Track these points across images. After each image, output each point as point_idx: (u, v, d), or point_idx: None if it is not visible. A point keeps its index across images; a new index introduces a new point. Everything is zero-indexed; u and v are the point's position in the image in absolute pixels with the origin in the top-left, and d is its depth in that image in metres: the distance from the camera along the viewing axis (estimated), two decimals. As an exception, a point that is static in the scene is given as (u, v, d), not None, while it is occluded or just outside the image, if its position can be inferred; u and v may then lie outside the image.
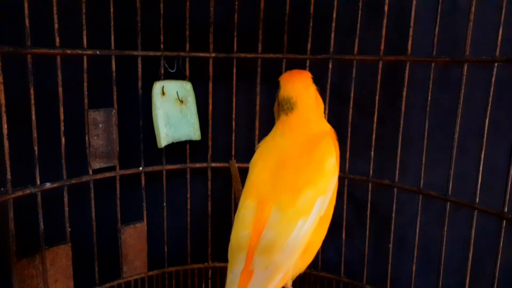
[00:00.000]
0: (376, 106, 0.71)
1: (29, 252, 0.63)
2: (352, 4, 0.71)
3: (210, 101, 0.76)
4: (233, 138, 0.78)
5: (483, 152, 0.61)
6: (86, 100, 0.66)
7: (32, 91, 0.60)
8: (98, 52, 0.66)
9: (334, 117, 0.73)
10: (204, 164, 0.78)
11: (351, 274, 0.78)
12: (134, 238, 0.75)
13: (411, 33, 0.67)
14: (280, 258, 0.48)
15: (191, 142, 0.77)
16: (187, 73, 0.74)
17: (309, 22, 0.72)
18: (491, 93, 0.60)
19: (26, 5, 0.58)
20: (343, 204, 0.75)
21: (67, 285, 0.68)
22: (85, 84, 0.66)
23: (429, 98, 0.66)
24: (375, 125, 0.71)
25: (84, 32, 0.64)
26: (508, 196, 0.58)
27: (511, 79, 0.70)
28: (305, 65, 0.73)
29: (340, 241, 0.76)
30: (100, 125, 0.69)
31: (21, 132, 0.60)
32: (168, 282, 0.79)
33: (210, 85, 0.75)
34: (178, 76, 0.74)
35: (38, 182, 0.62)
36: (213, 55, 0.74)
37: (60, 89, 0.63)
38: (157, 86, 0.72)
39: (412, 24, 0.67)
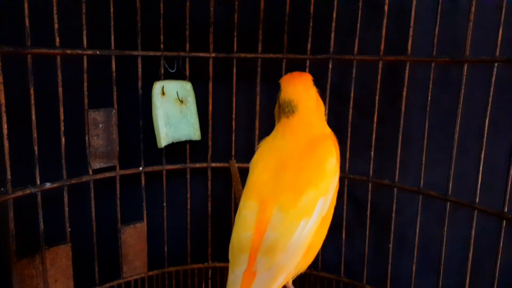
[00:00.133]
0: (376, 106, 0.71)
1: (29, 252, 0.63)
2: (352, 4, 0.71)
3: (210, 101, 0.76)
4: (233, 138, 0.78)
5: (483, 152, 0.61)
6: (86, 100, 0.66)
7: (32, 91, 0.60)
8: (98, 52, 0.66)
9: (334, 117, 0.73)
10: (204, 164, 0.78)
11: (351, 274, 0.78)
12: (134, 238, 0.75)
13: (411, 33, 0.67)
14: (283, 258, 0.49)
15: (191, 142, 0.77)
16: (187, 73, 0.74)
17: (309, 22, 0.72)
18: (491, 93, 0.60)
19: (26, 5, 0.58)
20: (343, 204, 0.75)
21: (67, 285, 0.68)
22: (85, 84, 0.66)
23: (429, 98, 0.66)
24: (375, 125, 0.71)
25: (84, 32, 0.64)
26: (508, 196, 0.58)
27: (511, 79, 0.70)
28: (305, 65, 0.73)
29: (340, 241, 0.76)
30: (100, 125, 0.69)
31: (21, 132, 0.60)
32: (168, 282, 0.79)
33: (210, 85, 0.75)
34: (178, 76, 0.74)
35: (38, 182, 0.62)
36: (213, 55, 0.74)
37: (60, 89, 0.63)
38: (157, 86, 0.72)
39: (412, 24, 0.67)
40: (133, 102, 0.72)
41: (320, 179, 0.52)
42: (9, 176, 0.59)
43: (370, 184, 0.73)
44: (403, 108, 0.69)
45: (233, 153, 0.78)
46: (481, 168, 0.61)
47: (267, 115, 0.75)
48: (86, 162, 0.68)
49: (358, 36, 0.70)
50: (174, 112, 0.74)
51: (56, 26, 0.61)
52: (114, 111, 0.70)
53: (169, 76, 0.73)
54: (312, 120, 0.57)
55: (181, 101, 0.75)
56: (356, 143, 0.74)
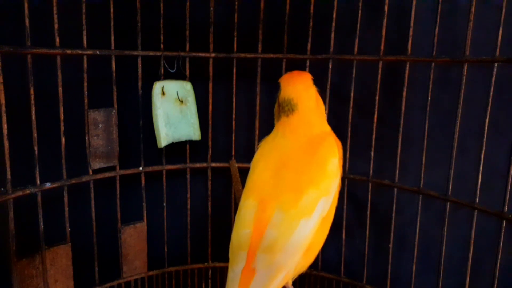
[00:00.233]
0: (376, 106, 0.71)
1: (29, 252, 0.63)
2: (352, 4, 0.71)
3: (210, 101, 0.76)
4: (233, 138, 0.78)
5: (483, 152, 0.61)
6: (86, 100, 0.66)
7: (32, 91, 0.60)
8: (98, 52, 0.66)
9: (334, 117, 0.73)
10: (204, 164, 0.78)
11: (351, 274, 0.78)
12: (134, 238, 0.75)
13: (411, 33, 0.67)
14: (282, 257, 0.49)
15: (191, 142, 0.77)
16: (187, 73, 0.74)
17: (309, 22, 0.72)
18: (491, 93, 0.60)
19: (26, 5, 0.58)
20: (343, 204, 0.75)
21: (67, 285, 0.68)
22: (85, 84, 0.66)
23: (429, 98, 0.66)
24: (375, 125, 0.71)
25: (84, 32, 0.64)
26: (508, 196, 0.58)
27: (511, 79, 0.70)
28: (305, 65, 0.73)
29: (340, 241, 0.76)
30: (100, 125, 0.69)
31: (21, 132, 0.60)
32: (168, 282, 0.79)
33: (210, 85, 0.75)
34: (178, 76, 0.74)
35: (38, 182, 0.62)
36: (213, 55, 0.74)
37: (60, 89, 0.63)
38: (157, 86, 0.72)
39: (412, 24, 0.67)
40: (133, 102, 0.72)
41: (322, 179, 0.52)
42: (9, 176, 0.59)
43: (370, 184, 0.73)
44: (403, 108, 0.69)
45: (233, 153, 0.78)
46: (481, 168, 0.61)
47: (267, 115, 0.75)
48: (86, 162, 0.68)
49: (358, 36, 0.70)
50: (174, 112, 0.74)
51: (56, 26, 0.61)
52: (114, 111, 0.70)
53: (169, 76, 0.73)
54: (312, 119, 0.57)
55: (181, 101, 0.75)
56: (356, 143, 0.74)
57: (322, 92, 0.61)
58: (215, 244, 0.80)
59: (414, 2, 0.66)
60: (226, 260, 0.53)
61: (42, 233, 0.63)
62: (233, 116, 0.77)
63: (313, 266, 0.78)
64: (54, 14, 0.61)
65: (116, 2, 0.67)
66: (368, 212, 0.74)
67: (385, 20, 0.68)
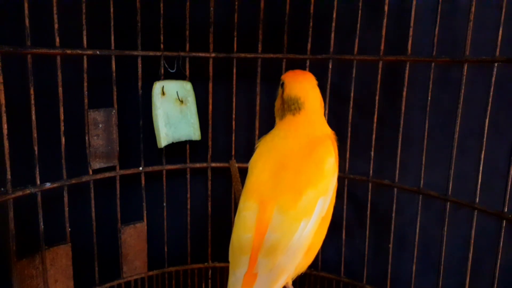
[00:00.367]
0: (376, 106, 0.71)
1: (29, 252, 0.63)
2: (352, 4, 0.71)
3: (210, 101, 0.76)
4: (233, 138, 0.78)
5: (483, 152, 0.61)
6: (86, 100, 0.66)
7: (32, 91, 0.60)
8: (98, 52, 0.66)
9: (334, 117, 0.73)
10: (204, 164, 0.78)
11: (351, 274, 0.78)
12: (134, 238, 0.75)
13: (411, 33, 0.67)
14: (284, 260, 0.48)
15: (191, 142, 0.77)
16: (187, 73, 0.74)
17: (309, 22, 0.72)
18: (491, 93, 0.60)
19: (26, 5, 0.58)
20: (343, 204, 0.75)
21: (67, 285, 0.67)
22: (85, 84, 0.66)
23: (429, 98, 0.66)
24: (375, 125, 0.71)
25: (84, 32, 0.64)
26: (508, 196, 0.58)
27: (511, 79, 0.70)
28: (305, 65, 0.73)
29: (340, 241, 0.76)
30: (100, 125, 0.69)
31: (21, 132, 0.60)
32: (168, 282, 0.79)
33: (210, 85, 0.75)
34: (178, 76, 0.74)
35: (38, 182, 0.62)
36: (213, 55, 0.74)
37: (60, 89, 0.63)
38: (157, 86, 0.72)
39: (412, 24, 0.67)
40: (133, 102, 0.72)
41: (320, 179, 0.52)
42: (9, 176, 0.59)
43: (370, 184, 0.73)
44: (403, 108, 0.69)
45: (233, 153, 0.78)
46: (481, 168, 0.61)
47: (267, 115, 0.75)
48: (86, 162, 0.68)
49: (358, 36, 0.70)
50: (174, 112, 0.74)
51: (56, 26, 0.61)
52: (114, 111, 0.70)
53: (169, 76, 0.73)
54: (316, 119, 0.57)
55: (181, 101, 0.75)
56: (356, 143, 0.74)
57: (322, 93, 0.61)
58: (215, 244, 0.80)
59: (414, 2, 0.66)
60: (226, 260, 0.53)
61: (42, 233, 0.63)
62: (233, 116, 0.77)
63: (313, 266, 0.78)
64: (54, 14, 0.61)
65: (116, 2, 0.67)
66: (368, 212, 0.74)
67: (385, 20, 0.68)
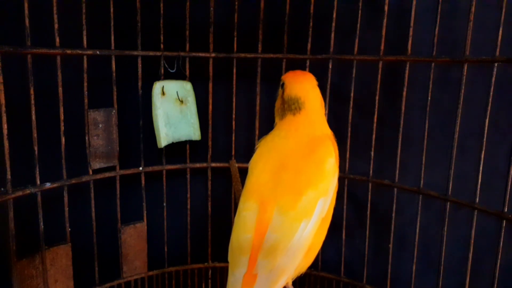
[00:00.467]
0: (376, 106, 0.71)
1: (29, 252, 0.63)
2: (352, 4, 0.71)
3: (210, 101, 0.76)
4: (233, 138, 0.78)
5: (483, 152, 0.61)
6: (86, 100, 0.66)
7: (32, 91, 0.60)
8: (98, 52, 0.66)
9: (334, 117, 0.73)
10: (204, 164, 0.78)
11: (351, 274, 0.78)
12: (134, 238, 0.75)
13: (411, 33, 0.67)
14: (283, 260, 0.48)
15: (191, 142, 0.77)
16: (187, 73, 0.74)
17: (309, 22, 0.72)
18: (491, 93, 0.60)
19: (26, 5, 0.58)
20: (343, 204, 0.75)
21: (67, 285, 0.68)
22: (85, 84, 0.66)
23: (429, 98, 0.66)
24: (375, 125, 0.71)
25: (84, 32, 0.64)
26: (508, 196, 0.58)
27: (511, 79, 0.70)
28: (305, 65, 0.73)
29: (340, 241, 0.76)
30: (100, 125, 0.69)
31: (21, 132, 0.60)
32: (168, 282, 0.79)
33: (210, 85, 0.75)
34: (178, 76, 0.74)
35: (38, 182, 0.62)
36: (213, 55, 0.74)
37: (60, 89, 0.63)
38: (157, 86, 0.72)
39: (412, 24, 0.67)
40: (133, 102, 0.72)
41: (320, 179, 0.52)
42: (9, 176, 0.58)
43: (370, 184, 0.73)
44: (403, 108, 0.69)
45: (233, 153, 0.78)
46: (481, 168, 0.61)
47: (267, 115, 0.75)
48: (86, 162, 0.68)
49: (358, 36, 0.70)
50: (174, 112, 0.74)
51: (56, 26, 0.61)
52: (114, 111, 0.70)
53: (169, 76, 0.73)
54: (317, 119, 0.57)
55: (181, 101, 0.75)
56: (356, 143, 0.74)
57: (322, 93, 0.61)
58: (215, 244, 0.80)
59: (414, 2, 0.66)
60: (226, 260, 0.53)
61: (42, 233, 0.63)
62: (233, 116, 0.77)
63: (313, 266, 0.78)
64: (54, 14, 0.61)
65: (116, 2, 0.67)
66: (368, 212, 0.74)
67: (385, 20, 0.68)
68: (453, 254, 0.72)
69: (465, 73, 0.62)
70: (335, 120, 0.73)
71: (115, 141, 0.70)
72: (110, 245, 0.73)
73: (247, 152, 0.79)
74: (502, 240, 0.59)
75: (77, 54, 0.64)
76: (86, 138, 0.68)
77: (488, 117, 0.60)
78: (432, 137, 0.68)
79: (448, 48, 0.69)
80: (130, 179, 0.74)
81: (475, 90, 0.65)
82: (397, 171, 0.70)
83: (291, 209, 0.50)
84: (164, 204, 0.77)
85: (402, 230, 0.77)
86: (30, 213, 0.62)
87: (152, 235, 0.77)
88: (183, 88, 0.75)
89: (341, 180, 0.73)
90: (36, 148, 0.61)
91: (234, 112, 0.77)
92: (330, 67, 0.73)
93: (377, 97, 0.70)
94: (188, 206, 0.78)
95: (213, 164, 0.79)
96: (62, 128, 0.64)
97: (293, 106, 0.56)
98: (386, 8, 0.68)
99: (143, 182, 0.74)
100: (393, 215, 0.71)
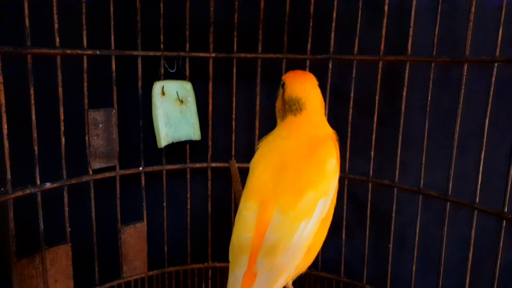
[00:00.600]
0: (376, 106, 0.71)
1: (29, 252, 0.63)
2: (352, 4, 0.71)
3: (210, 101, 0.76)
4: (233, 138, 0.78)
5: (483, 152, 0.61)
6: (86, 100, 0.66)
7: (32, 91, 0.60)
8: (98, 52, 0.66)
9: (334, 117, 0.73)
10: (204, 164, 0.78)
11: (351, 274, 0.78)
12: (134, 238, 0.75)
13: (411, 33, 0.67)
14: (283, 260, 0.48)
15: (191, 142, 0.77)
16: (187, 73, 0.74)
17: (309, 22, 0.72)
18: (491, 93, 0.60)
19: (26, 5, 0.58)
20: (343, 204, 0.75)
21: (67, 285, 0.68)
22: (85, 84, 0.66)
23: (429, 98, 0.66)
24: (375, 125, 0.71)
25: (84, 32, 0.64)
26: (508, 196, 0.58)
27: (511, 79, 0.70)
28: (305, 65, 0.73)
29: (340, 241, 0.76)
30: (100, 125, 0.69)
31: (21, 132, 0.60)
32: (168, 282, 0.79)
33: (210, 85, 0.75)
34: (178, 76, 0.74)
35: (38, 182, 0.62)
36: (213, 55, 0.74)
37: (60, 89, 0.63)
38: (157, 86, 0.72)
39: (412, 24, 0.67)
40: (133, 102, 0.72)
41: (321, 180, 0.52)
42: (9, 176, 0.59)
43: (370, 184, 0.73)
44: (403, 108, 0.69)
45: (233, 153, 0.78)
46: (481, 168, 0.61)
47: (267, 115, 0.75)
48: (86, 162, 0.68)
49: (358, 36, 0.70)
50: (174, 112, 0.74)
51: (56, 26, 0.61)
52: (114, 111, 0.70)
53: (169, 76, 0.73)
54: (318, 119, 0.57)
55: (181, 101, 0.75)
56: (356, 143, 0.74)
57: (322, 93, 0.61)
58: (215, 244, 0.80)
59: (414, 2, 0.66)
60: (226, 260, 0.53)
61: (42, 233, 0.63)
62: (233, 116, 0.77)
63: (313, 266, 0.78)
64: (54, 14, 0.61)
65: (116, 2, 0.67)
66: (368, 212, 0.74)
67: (385, 20, 0.68)
68: (453, 254, 0.72)
69: (465, 73, 0.62)
70: (335, 120, 0.73)
71: (115, 141, 0.70)
72: (110, 245, 0.73)
73: (247, 152, 0.79)
74: (502, 240, 0.59)
75: (77, 54, 0.64)
76: (86, 138, 0.68)
77: (488, 117, 0.60)
78: (432, 137, 0.68)
79: (448, 48, 0.69)
80: (130, 179, 0.74)
81: (475, 90, 0.65)
82: (397, 171, 0.70)
83: (291, 209, 0.50)
84: (164, 204, 0.77)
85: (402, 230, 0.77)
86: (30, 213, 0.62)
87: (152, 235, 0.77)
88: (183, 88, 0.75)
89: (341, 180, 0.73)
90: (36, 148, 0.61)
91: (234, 112, 0.77)
92: (330, 67, 0.73)
93: (377, 97, 0.70)
94: (188, 206, 0.78)
95: (213, 164, 0.79)
96: (62, 128, 0.64)
97: (294, 107, 0.56)
98: (386, 8, 0.68)
99: (143, 182, 0.74)
100: (393, 215, 0.72)
